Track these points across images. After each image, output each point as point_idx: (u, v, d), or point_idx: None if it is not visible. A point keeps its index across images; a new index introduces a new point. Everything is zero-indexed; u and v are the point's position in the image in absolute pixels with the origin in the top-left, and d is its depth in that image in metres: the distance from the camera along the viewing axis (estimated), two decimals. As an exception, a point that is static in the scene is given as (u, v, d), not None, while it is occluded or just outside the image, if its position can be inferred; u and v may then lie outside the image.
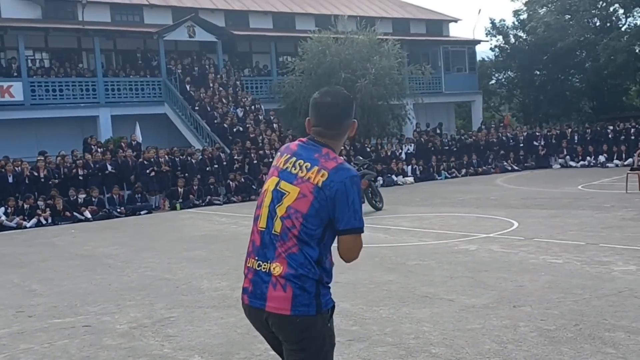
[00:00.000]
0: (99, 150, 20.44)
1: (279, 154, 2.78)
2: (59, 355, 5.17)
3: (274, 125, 24.38)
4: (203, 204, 18.83)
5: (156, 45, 26.53)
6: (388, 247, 9.36)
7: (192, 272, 8.47)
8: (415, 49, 35.28)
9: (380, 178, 22.60)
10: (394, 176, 23.06)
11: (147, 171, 18.75)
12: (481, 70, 38.31)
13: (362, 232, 2.58)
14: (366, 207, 14.47)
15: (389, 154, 24.79)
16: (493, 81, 40.80)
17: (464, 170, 25.11)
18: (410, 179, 23.32)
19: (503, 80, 40.31)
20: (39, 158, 18.09)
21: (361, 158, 16.07)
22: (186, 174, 19.40)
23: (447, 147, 26.33)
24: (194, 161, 19.96)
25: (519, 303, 5.84)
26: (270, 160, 21.75)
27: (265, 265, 2.57)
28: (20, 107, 23.32)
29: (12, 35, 24.00)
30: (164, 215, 17.37)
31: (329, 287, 2.63)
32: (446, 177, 24.28)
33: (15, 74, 23.79)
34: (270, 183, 2.68)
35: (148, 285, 7.75)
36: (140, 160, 19.04)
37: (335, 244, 2.64)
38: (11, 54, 24.92)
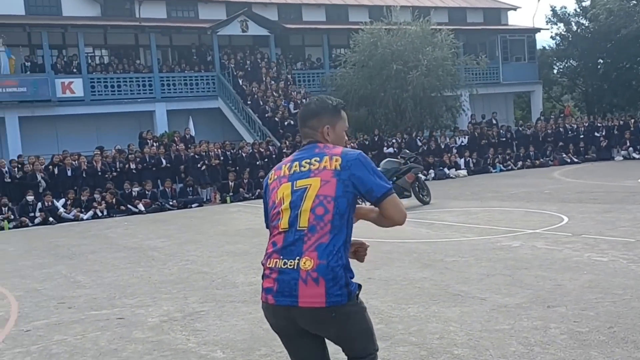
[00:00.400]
0: (154, 144, 20.95)
1: (273, 171, 2.92)
2: (89, 347, 5.31)
3: (325, 118, 24.31)
4: (253, 197, 19.02)
5: (210, 40, 26.93)
6: (428, 243, 9.21)
7: (230, 265, 8.56)
8: (472, 39, 34.64)
9: (432, 171, 22.34)
10: (446, 169, 22.69)
11: (198, 165, 19.05)
12: (541, 60, 37.18)
13: (394, 192, 2.77)
14: (413, 201, 14.34)
15: (442, 146, 24.43)
16: (554, 70, 39.56)
17: (520, 163, 24.48)
18: (463, 172, 22.91)
19: (564, 69, 38.99)
20: (95, 152, 18.64)
21: (408, 151, 15.84)
22: (237, 168, 19.65)
23: (502, 139, 25.72)
24: (244, 155, 20.18)
25: (554, 303, 5.64)
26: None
27: (292, 262, 2.62)
28: (81, 103, 24.10)
29: (72, 33, 24.78)
30: (214, 208, 17.64)
31: (351, 270, 2.70)
32: (501, 170, 23.72)
33: (75, 70, 24.56)
34: (283, 189, 2.77)
35: (186, 279, 7.87)
36: (192, 154, 19.35)
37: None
38: (72, 51, 25.77)
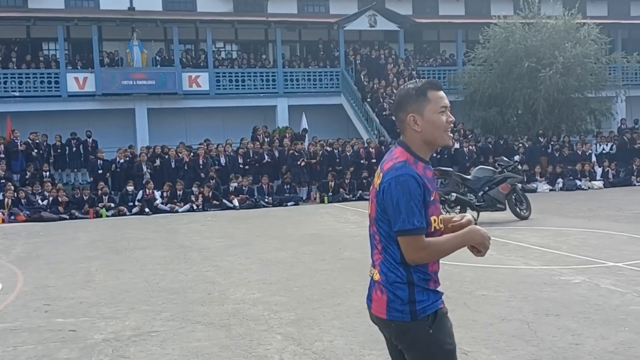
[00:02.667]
0: (265, 139, 20.92)
1: None
2: (3, 362, 4.94)
3: (447, 118, 22.84)
4: (353, 198, 18.27)
5: (338, 36, 26.46)
6: (476, 269, 7.90)
7: (246, 277, 7.92)
8: (635, 34, 31.10)
9: (560, 180, 20.14)
10: (577, 180, 20.28)
11: (298, 162, 18.62)
12: None
13: (412, 234, 2.45)
14: (508, 215, 12.81)
15: (579, 153, 21.98)
16: None
17: (673, 177, 21.34)
18: (598, 184, 20.35)
19: None
20: (199, 146, 18.90)
21: (506, 159, 14.13)
22: (338, 168, 19.01)
23: (653, 148, 22.61)
24: (348, 154, 19.46)
25: (545, 372, 4.34)
26: (435, 155, 20.46)
27: (372, 270, 2.65)
28: (206, 96, 24.72)
29: (202, 28, 25.48)
30: (306, 208, 17.11)
31: (432, 291, 2.55)
32: (647, 184, 20.82)
33: (202, 65, 25.25)
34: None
35: (187, 289, 7.35)
36: (291, 151, 18.97)
37: None
38: (204, 46, 26.51)
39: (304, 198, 18.70)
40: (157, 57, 24.83)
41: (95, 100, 23.36)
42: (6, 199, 15.82)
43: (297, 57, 27.70)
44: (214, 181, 17.73)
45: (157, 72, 24.01)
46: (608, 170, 21.07)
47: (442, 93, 2.56)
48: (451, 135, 2.54)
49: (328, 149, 20.24)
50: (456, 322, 5.46)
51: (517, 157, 20.70)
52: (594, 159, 21.79)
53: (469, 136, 22.19)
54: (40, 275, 8.51)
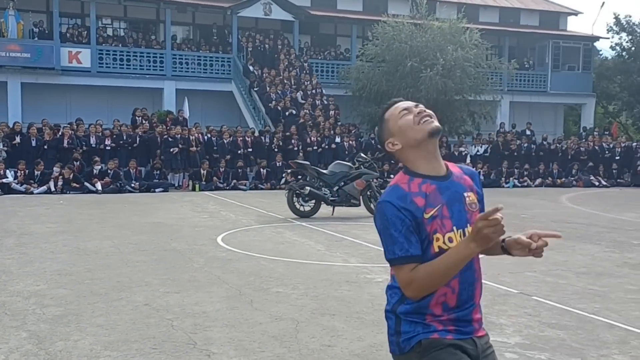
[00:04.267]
0: (144, 122, 20.23)
1: None
2: None
3: (330, 112, 22.91)
4: (227, 187, 17.96)
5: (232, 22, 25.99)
6: (290, 264, 7.81)
7: (45, 266, 7.45)
8: (523, 42, 32.57)
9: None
10: (448, 179, 20.83)
11: (170, 149, 18.08)
12: (599, 71, 34.44)
13: (395, 264, 2.19)
14: (362, 210, 12.89)
15: (455, 154, 22.59)
16: (616, 84, 36.41)
17: (539, 180, 22.33)
18: (470, 184, 20.97)
19: (625, 83, 35.83)
20: (64, 125, 18.04)
21: (364, 155, 14.18)
22: (215, 156, 18.65)
23: (523, 152, 23.58)
24: (225, 142, 19.12)
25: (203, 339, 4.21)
26: (315, 148, 20.41)
27: None
28: (87, 74, 23.65)
29: (87, 2, 24.32)
30: (171, 195, 16.65)
31: (416, 322, 2.22)
32: (514, 186, 21.68)
33: (85, 41, 24.13)
34: None
35: (-29, 276, 6.84)
36: (165, 136, 18.42)
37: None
38: (89, 22, 25.32)
39: (177, 185, 18.20)
40: (35, 29, 23.49)
41: (-38, 71, 21.90)
42: None
43: (190, 41, 27.03)
44: (78, 163, 16.94)
45: (33, 45, 22.79)
46: (480, 171, 21.75)
47: (399, 104, 2.32)
48: (427, 119, 2.23)
49: (207, 135, 19.85)
50: (228, 322, 5.34)
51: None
52: (468, 160, 22.46)
53: (352, 131, 22.32)
54: None
